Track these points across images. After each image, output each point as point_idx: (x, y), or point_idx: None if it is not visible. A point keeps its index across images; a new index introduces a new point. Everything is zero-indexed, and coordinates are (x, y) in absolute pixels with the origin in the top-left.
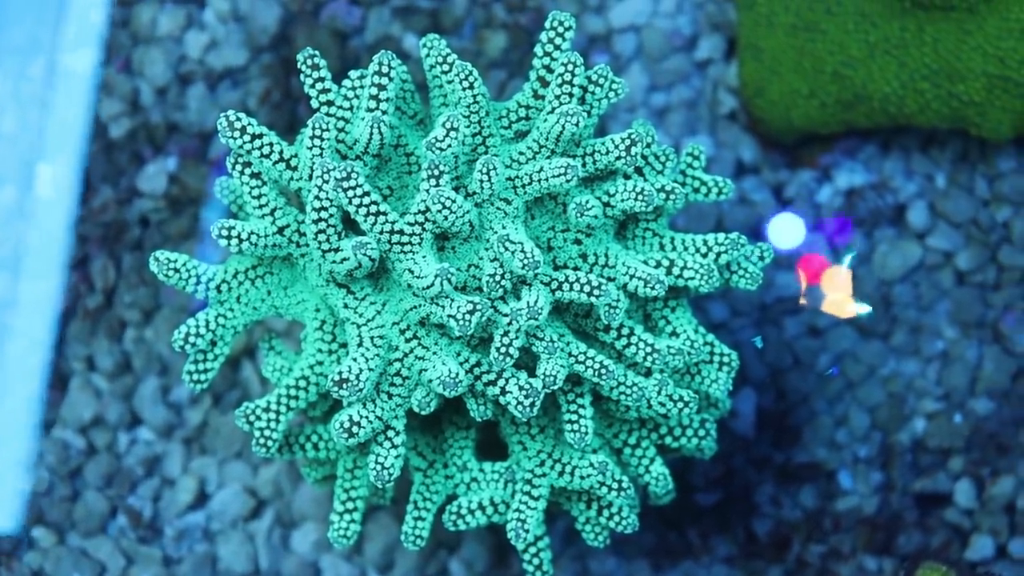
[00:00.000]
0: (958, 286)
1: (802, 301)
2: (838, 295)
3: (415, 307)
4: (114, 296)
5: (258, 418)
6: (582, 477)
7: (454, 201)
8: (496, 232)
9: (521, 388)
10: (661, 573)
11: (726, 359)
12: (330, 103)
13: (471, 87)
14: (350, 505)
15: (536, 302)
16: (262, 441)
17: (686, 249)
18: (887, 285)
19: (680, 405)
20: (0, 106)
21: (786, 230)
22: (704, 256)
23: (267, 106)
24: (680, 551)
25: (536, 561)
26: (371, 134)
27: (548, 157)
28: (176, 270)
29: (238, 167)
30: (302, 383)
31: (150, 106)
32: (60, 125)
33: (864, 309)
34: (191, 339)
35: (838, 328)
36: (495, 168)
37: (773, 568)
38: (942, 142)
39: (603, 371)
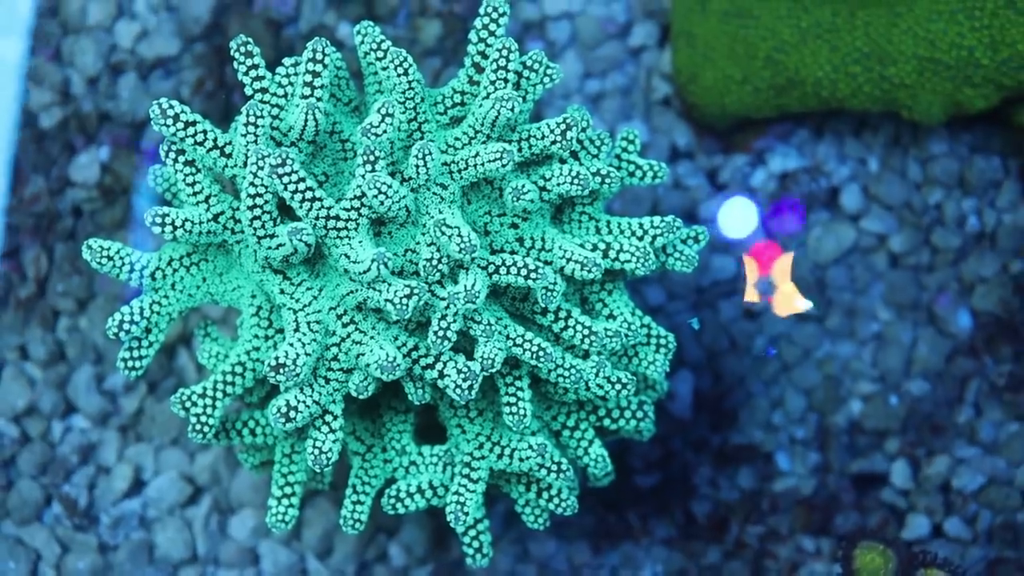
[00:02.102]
0: (892, 268)
1: (751, 298)
2: (786, 287)
3: (352, 292)
4: (47, 285)
5: (194, 404)
6: (521, 459)
7: (390, 186)
8: (432, 217)
9: (459, 371)
10: (601, 555)
11: (663, 341)
12: (264, 90)
13: (406, 73)
14: (288, 490)
15: (473, 286)
16: (198, 427)
17: (622, 232)
18: (822, 268)
19: (618, 387)
20: None
21: (738, 216)
22: (640, 239)
23: (201, 95)
24: (620, 533)
25: (476, 544)
26: (306, 121)
27: (484, 142)
28: (109, 258)
29: (171, 155)
30: (238, 369)
31: (81, 96)
32: None
33: (808, 305)
34: (125, 326)
35: (773, 311)
36: (431, 153)
37: (712, 549)
38: (874, 126)
39: (541, 354)
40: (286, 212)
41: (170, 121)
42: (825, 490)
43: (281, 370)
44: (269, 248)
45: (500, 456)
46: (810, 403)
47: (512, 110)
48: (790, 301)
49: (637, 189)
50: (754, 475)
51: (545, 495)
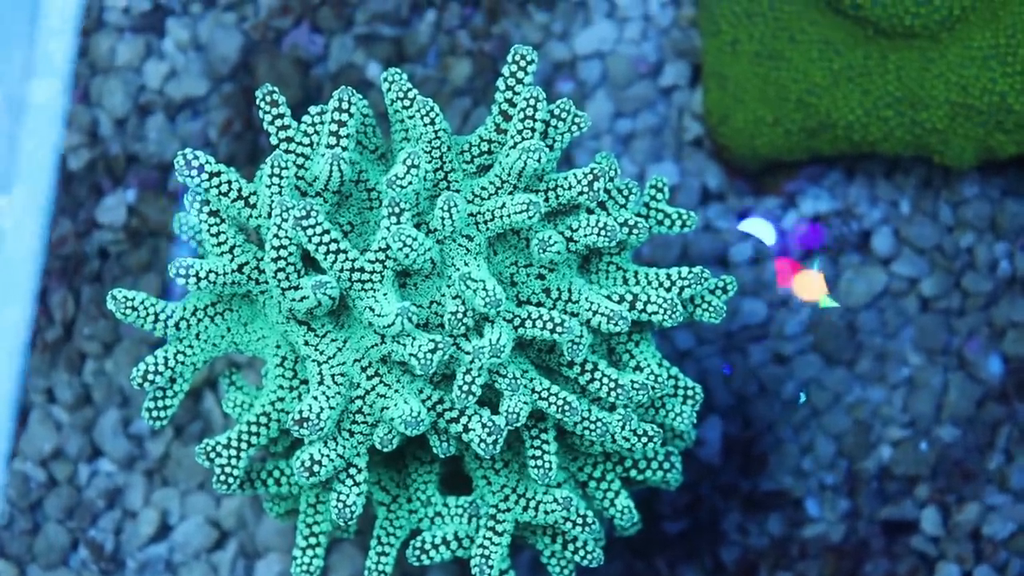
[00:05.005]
0: (923, 312)
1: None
2: (812, 296)
3: (376, 344)
4: (73, 328)
5: (219, 455)
6: (546, 512)
7: (415, 239)
8: (458, 269)
9: (484, 426)
10: None
11: (690, 392)
12: (289, 139)
13: (432, 123)
14: (313, 540)
15: (498, 340)
16: (223, 478)
17: (649, 283)
18: (852, 312)
19: (644, 440)
20: None
21: (760, 229)
22: (667, 290)
23: (228, 136)
24: None
25: None
26: (331, 172)
27: (510, 192)
28: (133, 308)
29: (196, 205)
30: (263, 419)
31: (109, 137)
32: (23, 156)
33: (832, 304)
34: (150, 376)
35: (803, 356)
36: (456, 205)
37: None
38: (906, 169)
39: (566, 407)
40: (311, 263)
41: (195, 172)
42: (855, 537)
43: (305, 424)
44: (293, 300)
45: (526, 508)
46: (840, 449)
47: (539, 161)
48: (814, 286)
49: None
50: (783, 521)
51: (571, 547)
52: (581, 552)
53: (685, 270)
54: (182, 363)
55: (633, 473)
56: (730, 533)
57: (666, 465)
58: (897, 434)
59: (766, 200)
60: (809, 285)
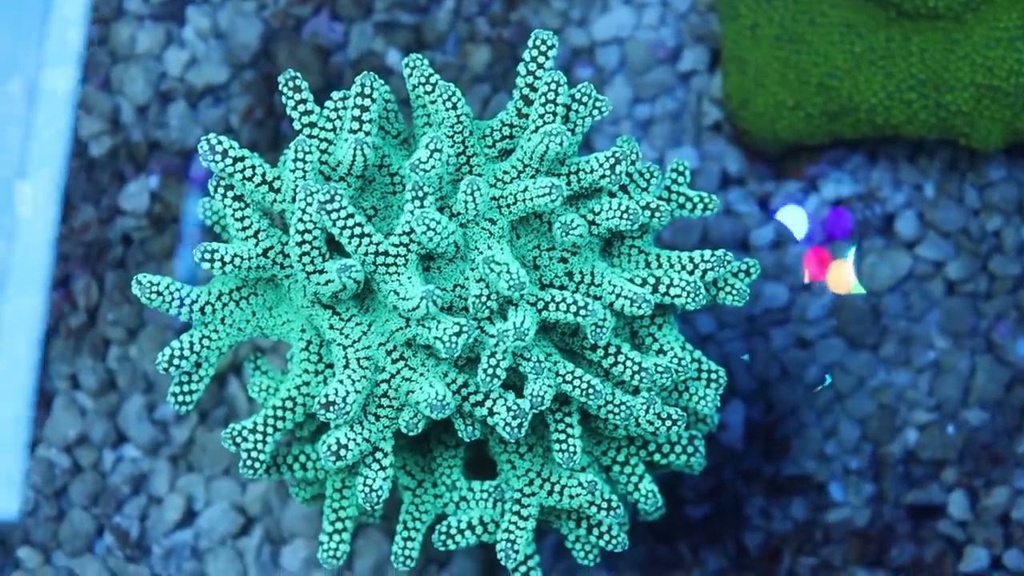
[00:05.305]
0: (949, 296)
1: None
2: (843, 288)
3: (401, 328)
4: (97, 314)
5: (244, 439)
6: (571, 496)
7: (439, 222)
8: (482, 253)
9: (509, 409)
10: None
11: (714, 375)
12: (312, 125)
13: (454, 107)
14: (339, 525)
15: (522, 323)
16: (249, 463)
17: (672, 267)
18: (877, 295)
19: (668, 423)
20: None
21: (794, 220)
22: (690, 274)
23: (250, 123)
24: (671, 564)
25: None
26: (354, 156)
27: (532, 176)
28: (159, 293)
29: (220, 190)
30: (288, 404)
31: (131, 124)
32: (40, 143)
33: (859, 289)
34: (175, 361)
35: (826, 340)
36: (479, 188)
37: None
38: (930, 152)
39: (591, 391)
40: (335, 247)
41: (219, 157)
42: (880, 521)
43: (331, 408)
44: (318, 284)
45: (550, 493)
46: (865, 433)
47: (561, 144)
48: (844, 279)
49: (688, 218)
50: (807, 506)
51: (595, 531)
52: (606, 537)
53: (708, 253)
54: (207, 348)
55: (657, 457)
56: (753, 518)
57: (690, 449)
58: (923, 418)
59: (787, 184)
60: (840, 277)
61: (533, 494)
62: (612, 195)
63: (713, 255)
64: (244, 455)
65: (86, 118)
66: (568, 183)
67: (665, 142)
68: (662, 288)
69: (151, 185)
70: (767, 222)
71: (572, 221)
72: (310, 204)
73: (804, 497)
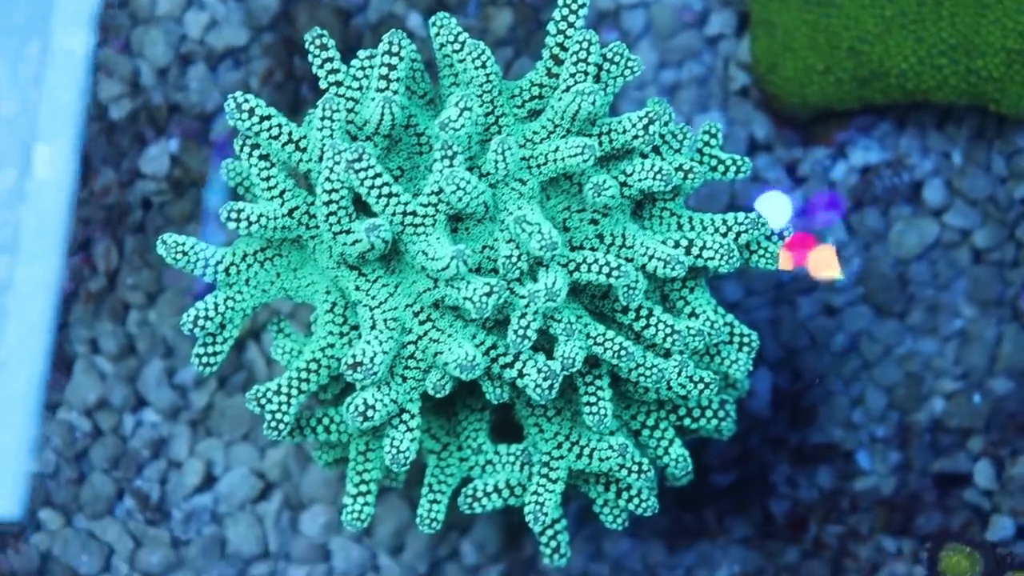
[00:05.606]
0: (976, 264)
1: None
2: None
3: (429, 289)
4: (117, 278)
5: (269, 401)
6: (601, 459)
7: (468, 182)
8: (512, 213)
9: (539, 371)
10: (676, 554)
11: (746, 339)
12: (339, 84)
13: (483, 66)
14: (363, 488)
15: (554, 284)
16: (273, 424)
17: (704, 229)
18: (903, 264)
19: (700, 387)
20: None
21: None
22: (723, 236)
23: (269, 86)
24: (696, 532)
25: (553, 544)
26: (382, 115)
27: (563, 136)
28: (184, 253)
29: (246, 149)
30: (313, 366)
31: (151, 87)
32: (58, 106)
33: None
34: (200, 322)
35: (854, 307)
36: (510, 147)
37: (790, 549)
38: (958, 119)
39: (623, 353)
40: (362, 207)
41: (245, 115)
42: (906, 490)
43: (358, 368)
44: (345, 244)
45: (579, 456)
46: (891, 401)
47: (593, 103)
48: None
49: (714, 184)
50: (833, 474)
51: (625, 495)
52: (635, 500)
53: (741, 215)
54: (232, 309)
55: (687, 422)
56: (779, 486)
57: (720, 413)
58: (950, 386)
59: (815, 150)
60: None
61: (561, 457)
62: (644, 156)
63: (747, 217)
64: (268, 416)
65: (106, 81)
66: (600, 143)
67: (691, 107)
68: (695, 250)
69: (171, 148)
70: (795, 188)
71: (604, 182)
72: (338, 163)
73: (831, 465)
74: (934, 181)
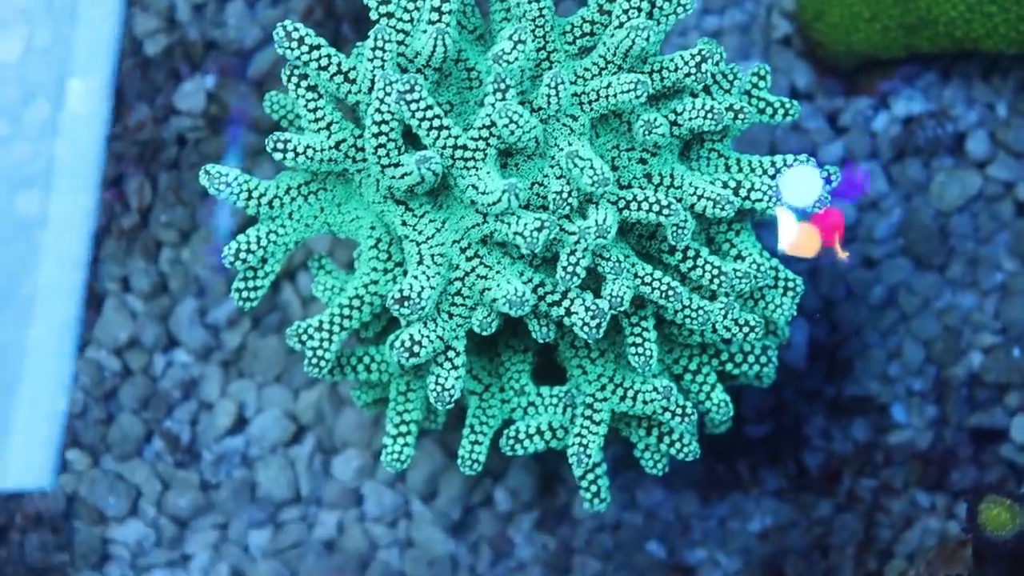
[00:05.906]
0: (1018, 217)
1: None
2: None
3: (477, 225)
4: (150, 216)
5: (310, 337)
6: (645, 402)
7: (521, 115)
8: (563, 149)
9: (587, 309)
10: (709, 505)
11: (791, 284)
12: (390, 15)
13: (537, 0)
14: (404, 428)
15: (604, 220)
16: (315, 361)
17: (752, 170)
18: (944, 216)
19: (746, 330)
20: (32, 19)
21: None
22: (772, 177)
23: (309, 24)
24: (729, 483)
25: (594, 488)
26: (434, 46)
27: (614, 73)
28: (227, 184)
29: (294, 79)
30: (355, 302)
31: (187, 23)
32: (92, 40)
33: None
34: (242, 255)
35: (892, 259)
36: (563, 82)
37: (823, 502)
38: (1004, 70)
39: (670, 293)
40: (410, 141)
41: (295, 44)
42: (942, 444)
43: (405, 303)
44: (393, 177)
45: (623, 398)
46: (929, 354)
47: (647, 39)
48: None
49: (754, 131)
50: (868, 427)
51: (667, 439)
52: (677, 445)
53: (790, 157)
54: (274, 243)
55: (729, 367)
56: (814, 438)
57: (763, 359)
58: (988, 340)
59: (857, 100)
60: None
61: (605, 399)
62: (694, 96)
63: (796, 159)
64: (310, 353)
65: (141, 15)
66: (651, 81)
67: (733, 55)
68: (742, 192)
69: (207, 85)
70: (836, 138)
71: (655, 120)
72: (388, 94)
73: (866, 418)
74: (978, 132)
